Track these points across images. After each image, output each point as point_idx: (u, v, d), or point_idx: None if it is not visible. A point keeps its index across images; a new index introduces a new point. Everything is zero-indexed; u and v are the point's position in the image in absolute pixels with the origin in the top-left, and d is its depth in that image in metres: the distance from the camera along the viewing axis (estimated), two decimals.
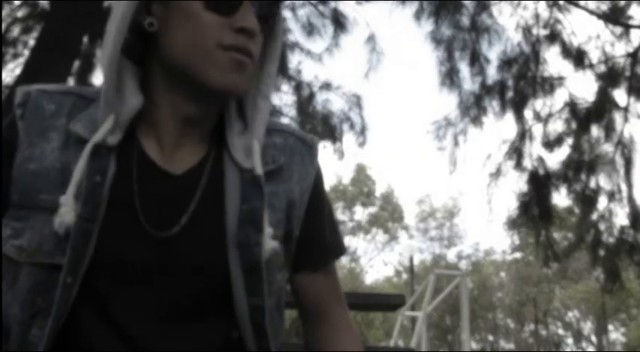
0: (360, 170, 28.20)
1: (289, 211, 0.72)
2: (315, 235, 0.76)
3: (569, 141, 6.48)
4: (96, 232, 0.63)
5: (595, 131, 6.36)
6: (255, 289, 0.67)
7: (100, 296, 0.64)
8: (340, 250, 0.82)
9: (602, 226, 6.32)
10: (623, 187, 6.22)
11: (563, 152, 6.48)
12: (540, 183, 6.37)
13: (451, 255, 29.27)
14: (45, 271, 0.62)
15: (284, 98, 6.41)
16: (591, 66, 6.25)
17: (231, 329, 0.68)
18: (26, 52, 4.88)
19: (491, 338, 29.72)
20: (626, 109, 6.13)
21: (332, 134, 6.39)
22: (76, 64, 4.63)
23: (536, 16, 6.24)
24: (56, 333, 0.62)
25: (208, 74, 0.64)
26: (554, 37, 6.19)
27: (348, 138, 6.51)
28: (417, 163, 48.08)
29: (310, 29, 6.05)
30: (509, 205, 6.76)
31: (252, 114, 0.70)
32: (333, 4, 6.05)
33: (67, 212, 0.61)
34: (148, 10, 0.65)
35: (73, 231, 0.61)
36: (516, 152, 6.53)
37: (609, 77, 6.16)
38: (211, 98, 0.68)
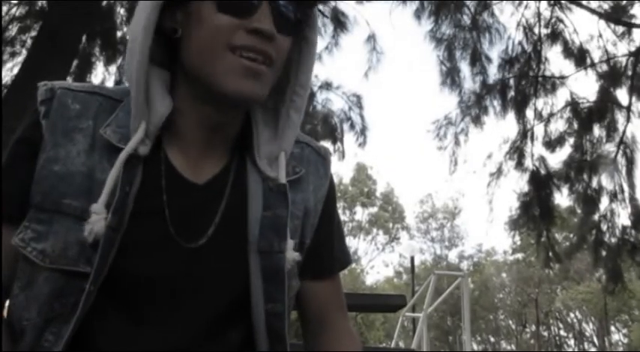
0: (361, 169, 28.18)
1: (305, 220, 0.73)
2: (325, 244, 0.77)
3: (571, 140, 6.45)
4: (118, 240, 0.62)
5: (597, 131, 6.34)
6: (276, 296, 0.67)
7: (123, 303, 0.63)
8: (346, 261, 0.83)
9: (603, 226, 6.29)
10: (625, 187, 6.18)
11: (564, 152, 6.45)
12: (541, 183, 6.34)
13: (452, 255, 29.26)
14: (65, 277, 0.61)
15: None
16: (593, 65, 6.22)
17: (240, 336, 0.69)
18: (24, 51, 4.85)
19: (492, 339, 29.66)
20: (628, 109, 6.10)
21: (332, 134, 6.36)
22: (75, 63, 4.61)
23: (538, 15, 6.21)
24: (71, 339, 0.61)
25: (219, 78, 0.62)
26: (555, 36, 6.16)
27: (349, 138, 6.49)
28: (417, 163, 48.09)
29: None
30: (511, 205, 6.73)
31: (283, 126, 0.70)
32: (333, 3, 6.03)
33: (98, 221, 0.59)
34: (174, 17, 0.65)
35: (102, 241, 0.60)
36: (517, 152, 6.50)
37: (611, 76, 6.13)
38: (227, 105, 0.66)
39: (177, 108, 0.66)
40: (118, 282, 0.62)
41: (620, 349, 26.42)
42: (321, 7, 6.05)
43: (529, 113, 6.42)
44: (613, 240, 6.22)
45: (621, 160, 6.12)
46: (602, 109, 6.17)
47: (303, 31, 0.68)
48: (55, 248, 0.61)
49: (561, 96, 6.72)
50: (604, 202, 6.26)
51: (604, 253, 6.29)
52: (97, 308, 0.62)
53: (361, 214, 28.81)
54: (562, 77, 6.39)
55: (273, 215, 0.67)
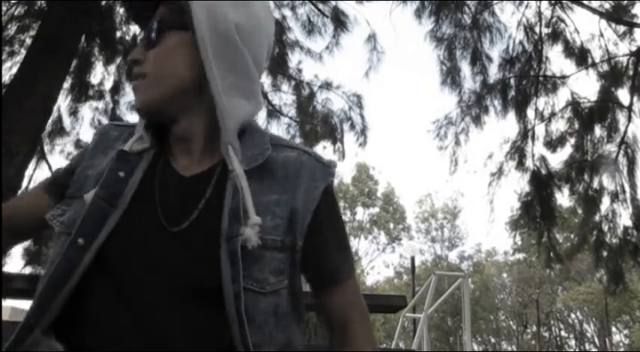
0: (362, 169, 28.19)
1: (292, 219, 0.76)
2: (322, 252, 0.80)
3: (572, 140, 6.43)
4: (116, 216, 0.74)
5: (598, 131, 6.31)
6: (236, 277, 0.71)
7: (112, 280, 0.71)
8: (348, 271, 0.85)
9: (605, 227, 6.26)
10: (627, 187, 6.16)
11: (565, 152, 6.43)
12: (542, 184, 6.32)
13: (453, 256, 29.25)
14: None
15: (284, 97, 6.37)
16: (594, 65, 6.20)
17: (224, 329, 0.70)
18: (23, 51, 4.84)
19: (493, 339, 29.63)
20: (629, 109, 6.08)
21: (332, 134, 6.35)
22: (74, 63, 4.59)
23: (539, 15, 6.19)
24: (65, 295, 0.70)
25: None
26: (556, 35, 6.15)
27: (349, 138, 6.47)
28: (419, 163, 48.01)
29: (310, 28, 6.02)
30: (512, 205, 6.72)
31: (220, 120, 0.77)
32: (333, 3, 6.02)
33: (90, 192, 0.75)
34: None
35: (89, 203, 0.74)
36: (518, 152, 6.48)
37: (612, 76, 6.11)
38: (147, 121, 0.82)
39: None
40: (109, 258, 0.72)
41: (622, 350, 26.38)
42: (321, 6, 6.05)
43: (530, 113, 6.40)
44: (614, 240, 6.20)
45: (622, 160, 6.10)
46: (603, 109, 6.15)
47: (191, 33, 0.78)
48: (70, 218, 0.76)
49: (562, 96, 6.70)
50: (605, 202, 6.25)
51: (605, 254, 6.26)
52: (91, 285, 0.71)
53: (362, 214, 28.83)
54: (563, 77, 6.37)
55: (235, 204, 0.74)
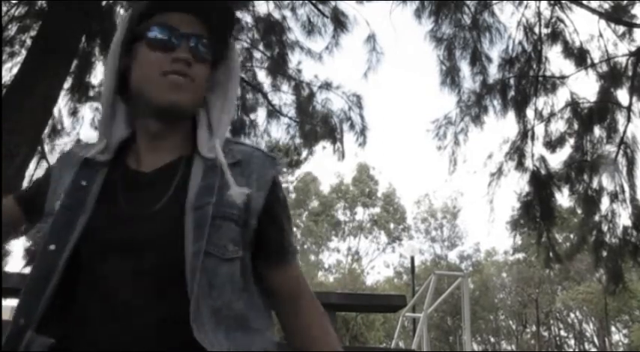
0: (363, 170, 28.22)
1: (248, 202, 0.85)
2: (278, 229, 0.91)
3: (571, 141, 6.44)
4: (82, 220, 0.82)
5: (597, 131, 6.32)
6: (199, 236, 0.79)
7: (87, 267, 0.80)
8: (293, 255, 0.95)
9: (604, 227, 6.27)
10: (626, 188, 6.17)
11: (565, 152, 6.44)
12: (542, 184, 6.33)
13: (452, 255, 29.27)
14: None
15: (284, 97, 6.38)
16: (593, 65, 6.21)
17: (186, 319, 0.75)
18: (23, 51, 4.84)
19: (492, 339, 29.66)
20: (628, 109, 6.09)
21: (332, 134, 6.35)
22: (74, 63, 4.59)
23: (538, 15, 6.20)
24: (48, 296, 0.77)
25: (153, 95, 0.88)
26: (555, 35, 6.15)
27: (349, 138, 6.48)
28: (418, 163, 48.01)
29: (310, 28, 6.03)
30: (512, 205, 6.73)
31: (216, 125, 0.94)
32: (333, 3, 6.02)
33: (56, 202, 0.85)
34: (126, 58, 0.92)
35: (55, 214, 0.84)
36: (518, 152, 6.49)
37: (611, 76, 6.12)
38: (164, 114, 0.90)
39: (134, 127, 0.93)
40: (84, 257, 0.80)
41: (621, 349, 26.41)
42: (321, 6, 6.05)
43: (529, 113, 6.41)
44: (614, 240, 6.21)
45: (622, 160, 6.11)
46: (603, 109, 6.16)
47: (215, 59, 0.96)
48: (45, 232, 0.84)
49: (561, 97, 6.72)
50: (605, 203, 6.25)
51: (605, 254, 6.27)
52: (71, 286, 0.79)
53: (362, 214, 28.86)
54: (562, 77, 6.38)
55: (207, 182, 0.85)
